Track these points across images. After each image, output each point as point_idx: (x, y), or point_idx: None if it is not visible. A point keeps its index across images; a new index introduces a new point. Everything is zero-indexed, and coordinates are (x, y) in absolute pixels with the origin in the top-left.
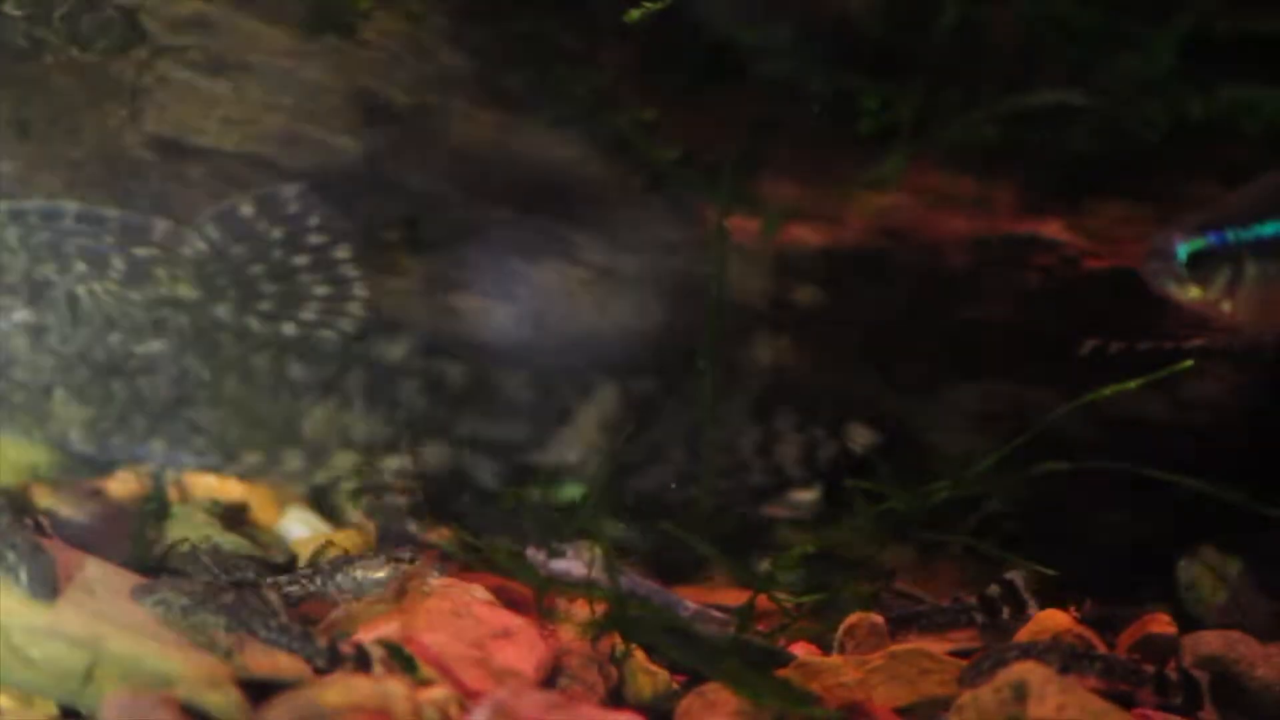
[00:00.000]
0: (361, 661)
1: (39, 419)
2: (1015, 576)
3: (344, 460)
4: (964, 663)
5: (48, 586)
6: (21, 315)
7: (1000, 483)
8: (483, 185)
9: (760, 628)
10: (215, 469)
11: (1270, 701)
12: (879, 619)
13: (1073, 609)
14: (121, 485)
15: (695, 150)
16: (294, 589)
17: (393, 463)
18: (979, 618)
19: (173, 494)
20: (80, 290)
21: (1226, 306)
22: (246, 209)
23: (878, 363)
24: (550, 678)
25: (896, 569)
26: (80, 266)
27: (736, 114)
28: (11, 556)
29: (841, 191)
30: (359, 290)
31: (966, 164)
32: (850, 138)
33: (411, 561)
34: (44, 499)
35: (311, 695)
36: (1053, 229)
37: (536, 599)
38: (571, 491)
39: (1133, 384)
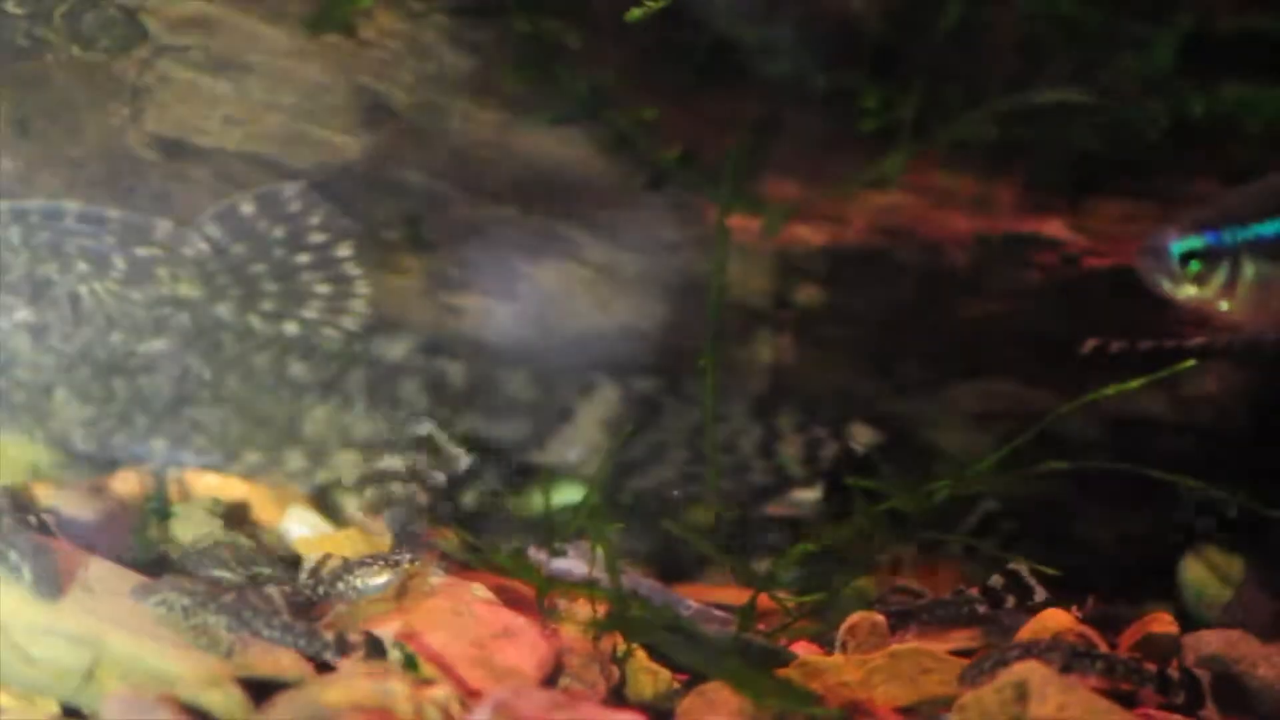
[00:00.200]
0: (374, 650)
1: (40, 418)
2: (1019, 566)
3: (345, 459)
4: (965, 662)
5: (51, 586)
6: (23, 314)
7: (1001, 482)
8: (484, 184)
9: (761, 627)
10: (217, 468)
11: (1272, 701)
12: (880, 618)
13: (1074, 608)
14: (123, 484)
15: (696, 149)
16: (297, 600)
17: (398, 460)
18: (981, 609)
19: (174, 493)
20: (81, 289)
21: (1223, 305)
22: (247, 208)
23: (879, 362)
24: (551, 677)
25: (900, 561)
26: (82, 266)
27: (737, 113)
28: (14, 556)
29: (842, 190)
30: (360, 289)
31: (968, 163)
32: (851, 137)
33: (411, 563)
34: (46, 498)
35: (313, 694)
36: (1054, 228)
37: (538, 598)
38: (572, 491)
39: (1134, 383)
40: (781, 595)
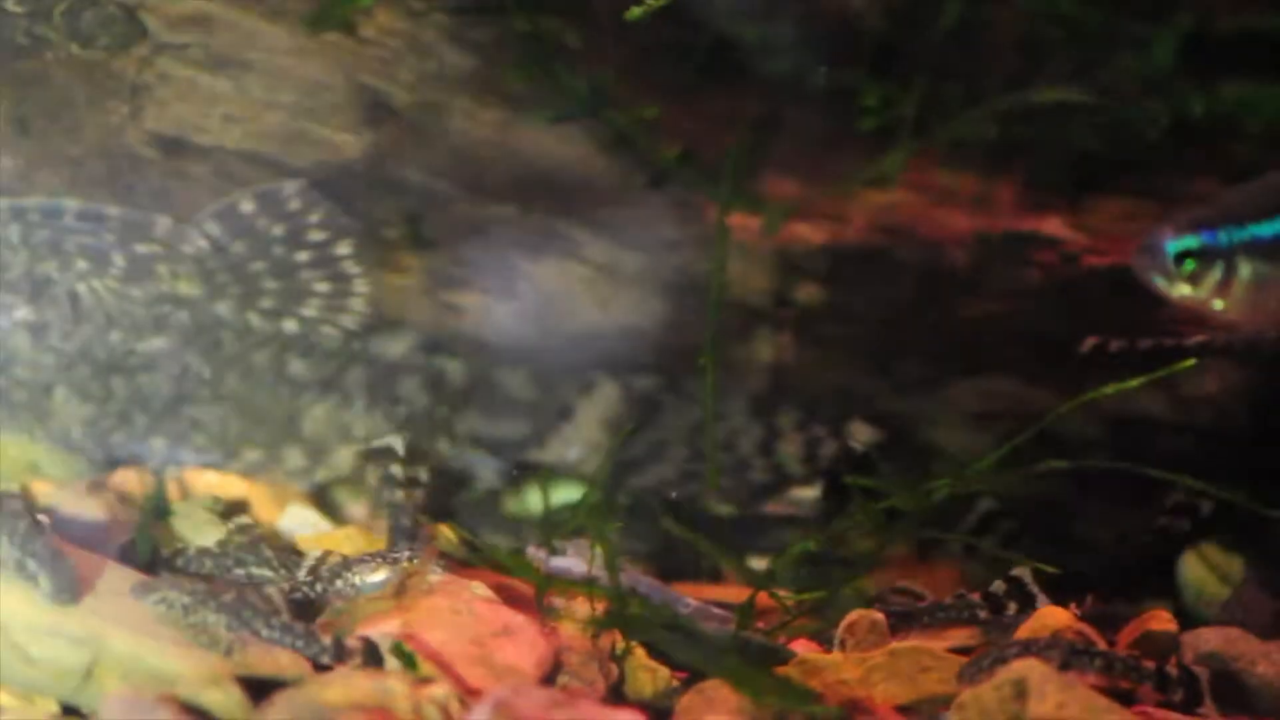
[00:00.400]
0: (371, 656)
1: (40, 416)
2: (1022, 573)
3: (345, 458)
4: (964, 660)
5: (69, 592)
6: (22, 313)
7: (1000, 481)
8: (484, 183)
9: (760, 625)
10: (216, 466)
11: (1271, 699)
12: (879, 616)
13: (1073, 606)
14: (122, 483)
15: (696, 148)
16: (296, 596)
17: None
18: (982, 614)
19: (174, 491)
20: (81, 288)
21: (1217, 305)
22: (247, 206)
23: (879, 360)
24: (551, 675)
25: (898, 561)
26: (81, 264)
27: (737, 111)
28: (32, 565)
29: (842, 189)
30: (360, 287)
31: (968, 161)
32: (851, 135)
33: (410, 560)
34: (45, 496)
35: (312, 693)
36: (1053, 226)
37: (537, 596)
38: (572, 489)
39: (1134, 382)
40: (780, 593)
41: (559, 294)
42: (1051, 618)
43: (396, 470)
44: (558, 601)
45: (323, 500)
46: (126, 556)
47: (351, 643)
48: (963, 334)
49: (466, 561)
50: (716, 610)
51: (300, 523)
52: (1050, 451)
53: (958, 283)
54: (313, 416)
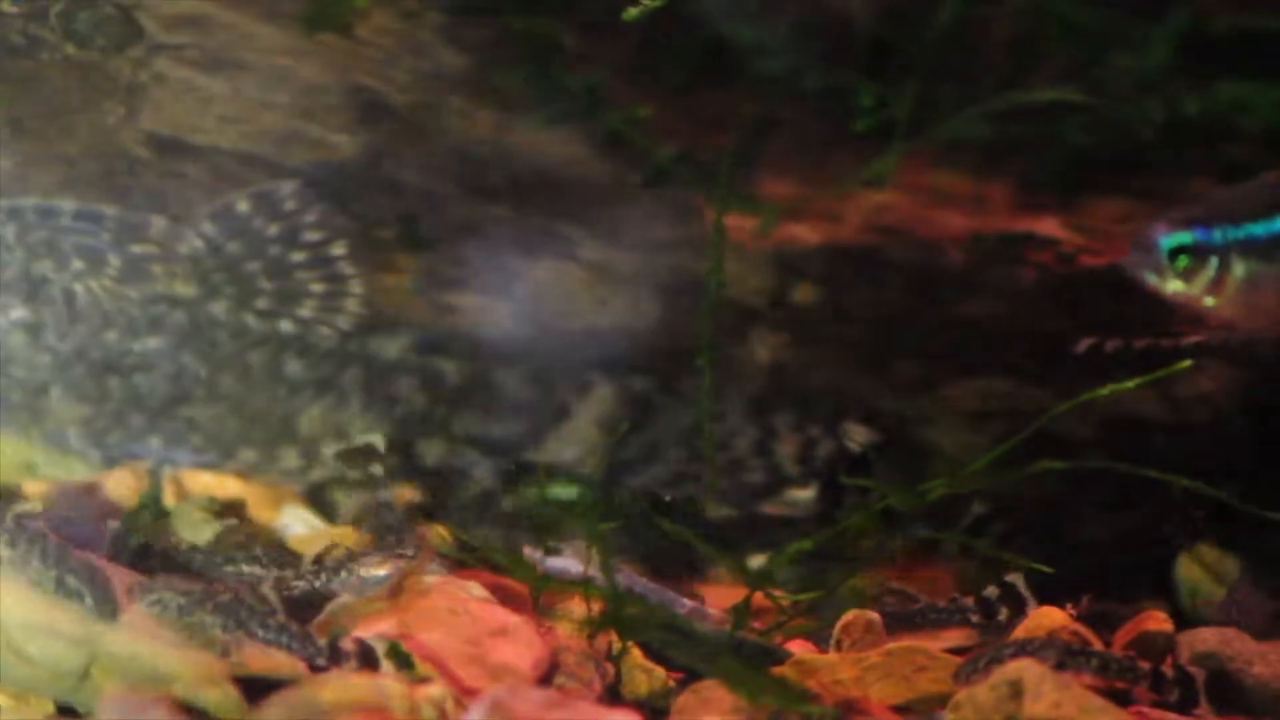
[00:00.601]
0: (366, 658)
1: (36, 416)
2: (1016, 579)
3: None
4: (960, 660)
5: (112, 604)
6: (18, 313)
7: (996, 481)
8: (480, 182)
9: (756, 625)
10: (212, 466)
11: (1266, 699)
12: (875, 616)
13: (1069, 606)
14: (118, 482)
15: (692, 148)
16: (300, 584)
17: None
18: (974, 619)
19: (169, 491)
20: (77, 287)
21: (1210, 302)
22: (243, 206)
23: (874, 360)
24: (547, 675)
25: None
26: (77, 264)
27: (733, 112)
28: (73, 581)
29: (838, 189)
30: (356, 287)
31: (963, 161)
32: (847, 135)
33: (413, 556)
34: (40, 496)
35: (308, 693)
36: (1049, 226)
37: (533, 596)
38: (568, 489)
39: (1130, 384)
40: (776, 593)
41: (555, 294)
42: (1047, 618)
43: (378, 469)
44: (555, 601)
45: (318, 500)
46: (121, 557)
47: (347, 645)
48: (958, 334)
49: (463, 561)
50: (713, 611)
51: (296, 523)
52: (1045, 452)
53: (953, 283)
54: (309, 417)
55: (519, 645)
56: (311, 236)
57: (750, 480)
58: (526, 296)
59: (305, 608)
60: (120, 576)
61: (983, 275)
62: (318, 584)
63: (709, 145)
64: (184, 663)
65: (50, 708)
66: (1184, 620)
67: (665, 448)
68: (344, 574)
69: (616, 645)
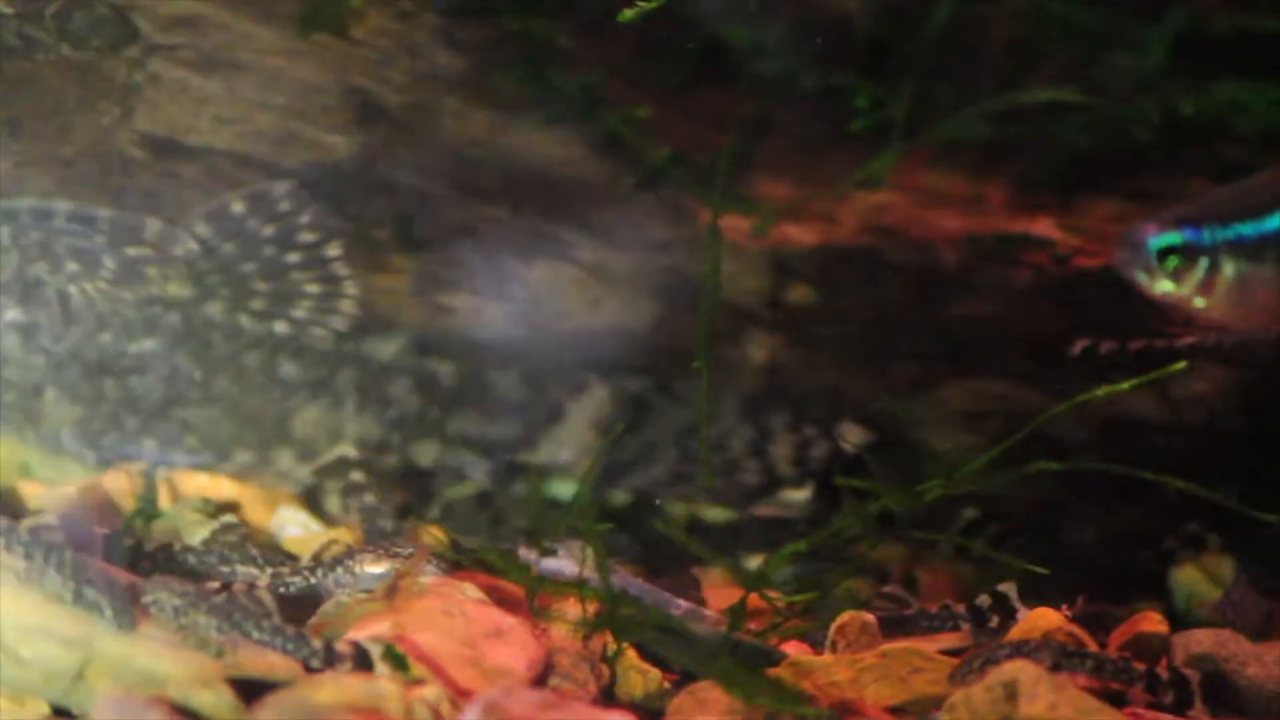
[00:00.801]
0: (361, 661)
1: (31, 418)
2: (1008, 588)
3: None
4: (955, 661)
5: (130, 615)
6: (13, 314)
7: (991, 482)
8: (475, 184)
9: (752, 626)
10: (207, 468)
11: (1261, 700)
12: (870, 617)
13: (1064, 607)
14: (113, 484)
15: (687, 149)
16: (296, 580)
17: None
18: (965, 626)
19: (164, 493)
20: (72, 289)
21: (1199, 302)
22: (238, 207)
23: (870, 361)
24: (542, 676)
25: (887, 568)
26: (72, 265)
27: (728, 112)
28: (91, 593)
29: (833, 190)
30: (350, 288)
31: (959, 162)
32: (843, 136)
33: (411, 555)
34: (35, 498)
35: (303, 694)
36: (1045, 227)
37: (528, 598)
38: (562, 490)
39: (1125, 385)
40: (772, 594)
41: (550, 295)
42: (1042, 619)
43: (358, 477)
44: (549, 603)
45: (313, 502)
46: (116, 558)
47: (342, 647)
48: (954, 335)
49: (458, 563)
50: (708, 612)
51: (291, 524)
52: (1042, 453)
53: (949, 284)
54: (303, 418)
55: (514, 647)
56: (306, 238)
57: (745, 481)
58: (521, 297)
59: (300, 608)
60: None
61: (978, 276)
62: (314, 580)
63: (705, 146)
64: (178, 664)
65: (45, 709)
66: (1180, 622)
67: (660, 449)
68: (340, 570)
69: (611, 646)
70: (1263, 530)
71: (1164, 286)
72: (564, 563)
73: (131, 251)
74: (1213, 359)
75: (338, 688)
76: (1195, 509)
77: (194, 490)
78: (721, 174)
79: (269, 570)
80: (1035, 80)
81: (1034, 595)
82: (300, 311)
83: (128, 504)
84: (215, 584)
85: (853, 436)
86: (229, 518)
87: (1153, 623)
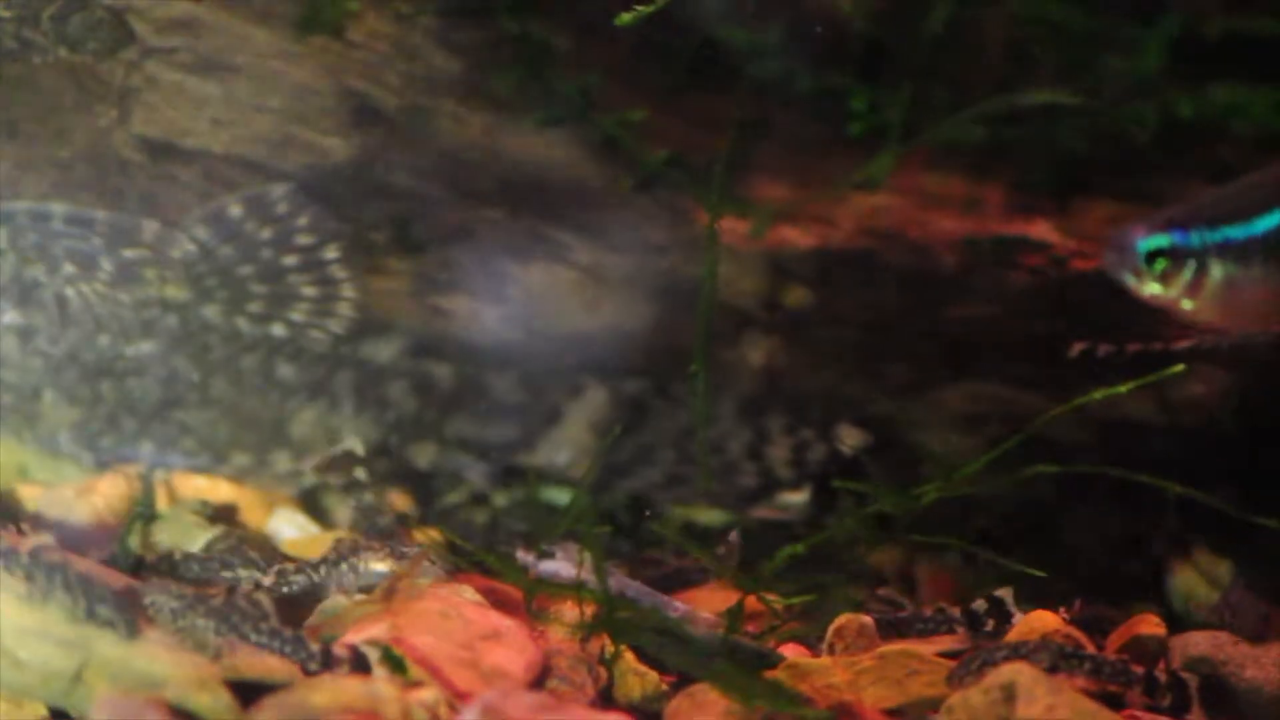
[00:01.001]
0: (358, 664)
1: (28, 420)
2: (1005, 594)
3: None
4: (953, 664)
5: (135, 630)
6: (10, 317)
7: (989, 484)
8: (472, 186)
9: (750, 629)
10: (204, 470)
11: (1259, 703)
12: (868, 620)
13: (1062, 609)
14: (110, 486)
15: (685, 151)
16: (299, 578)
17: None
18: (959, 629)
19: (162, 495)
20: (69, 291)
21: (1187, 305)
22: (235, 210)
23: (867, 364)
24: (540, 679)
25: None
26: (69, 268)
27: (725, 115)
28: (105, 611)
29: (830, 192)
30: (348, 291)
31: (956, 164)
32: (839, 139)
33: (413, 554)
34: (33, 500)
35: (301, 696)
36: (1041, 229)
37: (526, 600)
38: (560, 493)
39: (1123, 388)
40: (769, 597)
41: (547, 297)
42: (1040, 621)
43: (361, 474)
44: (547, 605)
45: (311, 504)
46: (113, 560)
47: (339, 650)
48: (951, 337)
49: (455, 565)
50: (705, 614)
51: (288, 526)
52: (1040, 455)
53: (946, 286)
54: (301, 420)
55: (511, 649)
56: (304, 240)
57: (743, 484)
58: (518, 300)
59: (298, 610)
60: (109, 578)
61: (976, 279)
62: (317, 578)
63: (703, 148)
64: (176, 666)
65: (42, 711)
66: (1177, 624)
67: (657, 451)
68: (345, 566)
69: (609, 649)
70: (1260, 533)
71: (1152, 289)
72: (561, 565)
73: (129, 254)
74: (1210, 362)
75: (335, 690)
76: (1193, 511)
77: (192, 492)
78: (719, 176)
79: (274, 568)
80: (1032, 83)
81: (1032, 597)
82: (298, 314)
83: (126, 507)
84: (219, 590)
85: (850, 439)
86: (223, 526)
87: (1150, 625)
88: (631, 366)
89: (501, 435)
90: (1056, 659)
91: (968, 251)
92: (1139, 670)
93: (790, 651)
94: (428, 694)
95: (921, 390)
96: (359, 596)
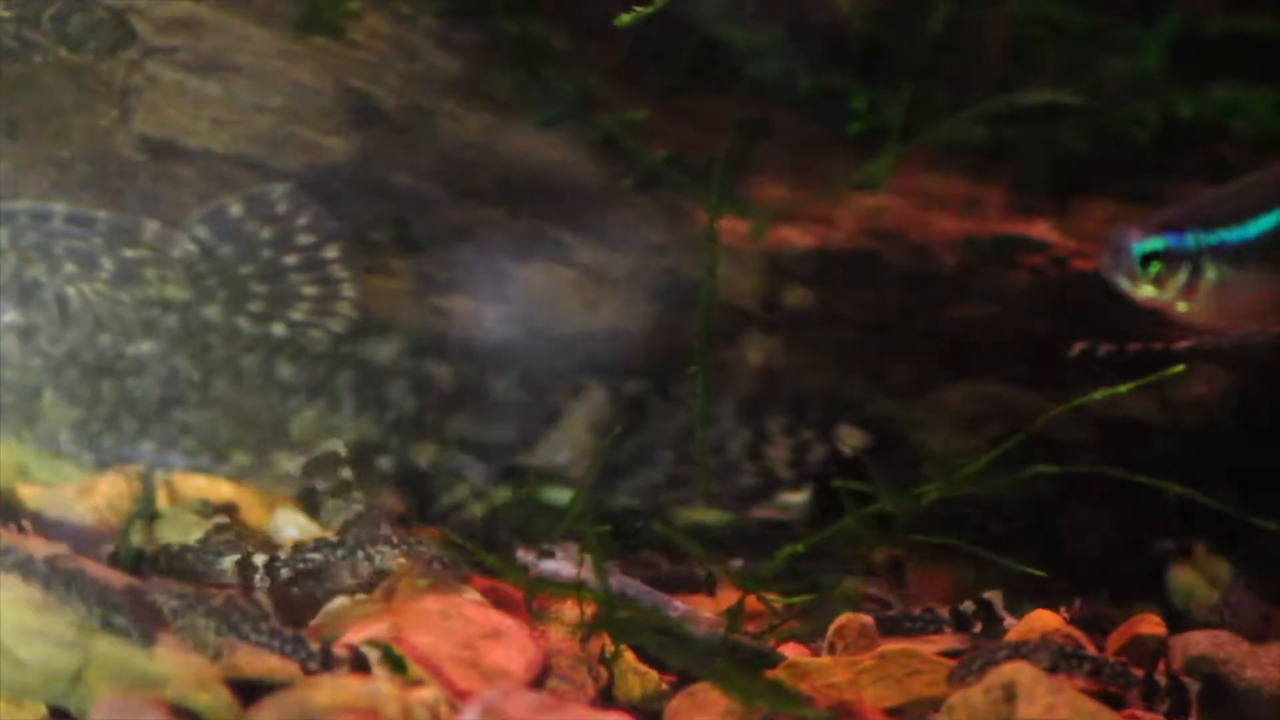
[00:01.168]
0: (358, 663)
1: (28, 420)
2: (994, 596)
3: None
4: (954, 663)
5: (152, 638)
6: (11, 316)
7: (989, 485)
8: (471, 186)
9: (750, 628)
10: (205, 470)
11: (1259, 703)
12: (869, 619)
13: (1062, 609)
14: (111, 486)
15: (684, 151)
16: (315, 556)
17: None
18: (947, 630)
19: (162, 495)
20: (69, 291)
21: (1182, 307)
22: (235, 209)
23: (867, 364)
24: (540, 678)
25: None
26: (69, 267)
27: (725, 115)
28: (120, 620)
29: (831, 193)
30: (348, 290)
31: (956, 164)
32: (839, 139)
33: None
34: (33, 500)
35: (301, 696)
36: (1042, 229)
37: (526, 600)
38: (560, 493)
39: (1123, 388)
40: (770, 596)
41: (547, 297)
42: (1040, 621)
43: (348, 475)
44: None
45: (311, 504)
46: (114, 560)
47: (339, 650)
48: (951, 337)
49: (456, 565)
50: (706, 614)
51: (288, 525)
52: (1041, 455)
53: (947, 286)
54: (301, 420)
55: (512, 648)
56: (304, 240)
57: (743, 484)
58: (518, 300)
59: (299, 610)
60: (109, 577)
61: (976, 279)
62: (334, 558)
63: (702, 148)
64: (176, 666)
65: (43, 711)
66: (1178, 623)
67: (658, 451)
68: (360, 555)
69: (609, 648)
70: (1260, 533)
71: (1147, 291)
72: (562, 564)
73: (129, 253)
74: (1211, 362)
75: (336, 689)
76: (1193, 511)
77: (192, 492)
78: (719, 176)
79: (290, 545)
80: (1032, 83)
81: (1031, 596)
82: (298, 313)
83: (126, 506)
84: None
85: (850, 439)
86: (222, 518)
87: (1151, 624)
88: (631, 366)
89: (501, 435)
90: (1057, 659)
91: (968, 251)
92: (1138, 673)
93: (790, 651)
94: (428, 693)
95: (922, 390)
96: (360, 596)
